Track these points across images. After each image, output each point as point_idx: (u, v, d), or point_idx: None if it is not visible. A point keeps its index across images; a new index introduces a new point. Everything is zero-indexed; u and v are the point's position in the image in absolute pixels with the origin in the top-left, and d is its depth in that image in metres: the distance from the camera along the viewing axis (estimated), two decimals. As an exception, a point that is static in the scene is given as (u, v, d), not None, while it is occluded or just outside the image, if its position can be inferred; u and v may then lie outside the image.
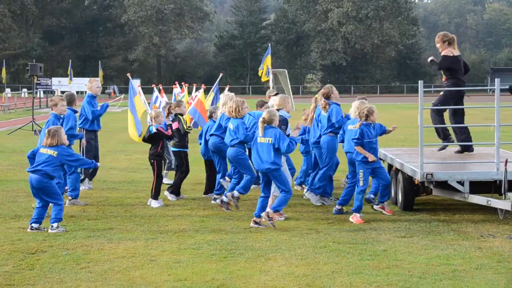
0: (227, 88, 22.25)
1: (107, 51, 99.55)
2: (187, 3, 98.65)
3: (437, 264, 8.65)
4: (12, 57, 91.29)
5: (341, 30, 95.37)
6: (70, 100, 13.40)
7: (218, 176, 13.12)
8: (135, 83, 17.72)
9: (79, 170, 13.18)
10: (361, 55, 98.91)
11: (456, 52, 12.94)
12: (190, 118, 17.60)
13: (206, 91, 20.65)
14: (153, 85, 26.88)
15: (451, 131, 13.29)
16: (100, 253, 9.29)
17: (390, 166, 13.34)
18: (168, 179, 15.12)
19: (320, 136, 12.72)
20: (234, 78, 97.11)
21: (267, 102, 13.65)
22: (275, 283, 7.89)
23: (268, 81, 36.87)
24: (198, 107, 17.70)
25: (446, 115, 13.41)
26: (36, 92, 45.43)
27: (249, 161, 12.01)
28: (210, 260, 8.90)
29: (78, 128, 13.96)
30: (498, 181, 11.05)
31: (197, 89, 25.88)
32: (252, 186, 12.74)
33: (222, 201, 12.30)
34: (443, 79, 13.16)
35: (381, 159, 12.47)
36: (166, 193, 13.54)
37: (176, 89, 26.72)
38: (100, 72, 65.32)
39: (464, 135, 13.02)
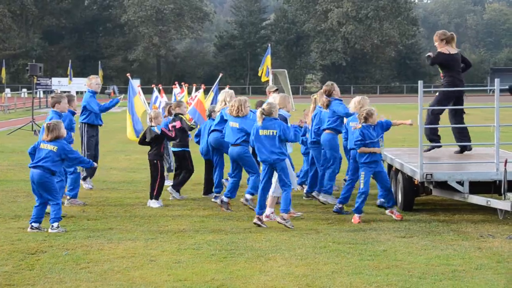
0: (227, 88, 22.22)
1: (107, 51, 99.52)
2: (187, 3, 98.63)
3: (437, 264, 8.65)
4: (12, 57, 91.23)
5: (341, 30, 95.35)
6: (69, 100, 13.40)
7: (215, 172, 13.14)
8: (135, 83, 17.68)
9: (79, 170, 13.17)
10: (361, 55, 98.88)
11: (453, 50, 12.87)
12: (190, 118, 17.58)
13: (206, 91, 20.62)
14: (153, 85, 26.75)
15: (446, 134, 13.18)
16: (100, 253, 9.30)
17: (390, 167, 13.34)
18: (168, 180, 15.09)
19: (319, 135, 12.74)
20: (234, 78, 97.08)
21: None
22: (275, 283, 7.89)
23: (268, 81, 36.82)
24: (198, 107, 17.65)
25: (446, 115, 13.40)
26: (36, 92, 45.43)
27: (254, 159, 12.03)
28: (210, 260, 8.91)
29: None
30: (497, 181, 11.05)
31: (197, 89, 25.82)
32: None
33: (222, 201, 12.32)
34: (441, 76, 13.14)
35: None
36: (171, 189, 13.50)
37: (176, 89, 26.63)
38: (100, 72, 65.15)
39: (464, 138, 12.96)
